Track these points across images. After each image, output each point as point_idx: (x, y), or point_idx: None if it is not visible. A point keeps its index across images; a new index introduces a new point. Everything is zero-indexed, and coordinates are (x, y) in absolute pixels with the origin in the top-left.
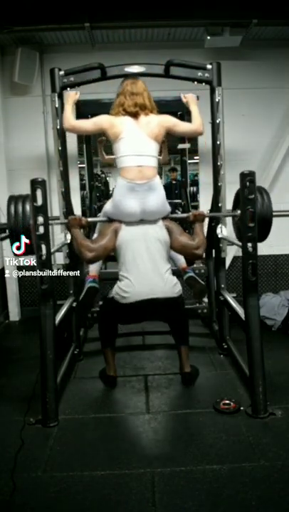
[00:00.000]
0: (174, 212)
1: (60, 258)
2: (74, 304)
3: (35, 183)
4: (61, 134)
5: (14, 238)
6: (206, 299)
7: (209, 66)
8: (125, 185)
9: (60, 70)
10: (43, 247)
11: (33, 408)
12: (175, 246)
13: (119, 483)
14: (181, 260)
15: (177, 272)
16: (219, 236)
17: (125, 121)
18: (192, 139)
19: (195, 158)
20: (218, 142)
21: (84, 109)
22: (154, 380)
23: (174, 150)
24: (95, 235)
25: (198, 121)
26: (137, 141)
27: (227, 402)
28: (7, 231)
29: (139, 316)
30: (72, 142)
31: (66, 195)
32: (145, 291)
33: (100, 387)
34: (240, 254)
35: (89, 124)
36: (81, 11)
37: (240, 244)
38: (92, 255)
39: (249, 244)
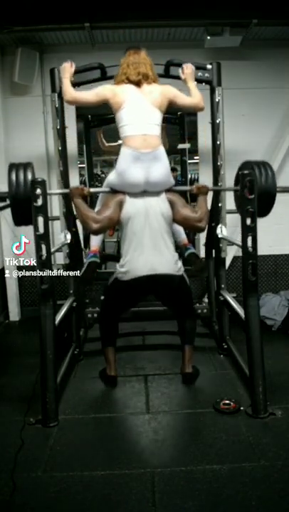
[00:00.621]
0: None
1: (60, 258)
2: (74, 304)
3: (35, 183)
4: (61, 134)
5: (15, 208)
6: (206, 299)
7: (209, 66)
8: (130, 154)
9: (60, 70)
10: (43, 247)
11: (33, 408)
12: (177, 218)
13: (119, 483)
14: (182, 236)
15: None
16: (219, 236)
17: (128, 89)
18: (192, 138)
19: (195, 158)
20: (218, 142)
21: (84, 110)
22: (154, 380)
23: (174, 150)
24: (98, 208)
25: (199, 96)
26: (140, 109)
27: (227, 402)
28: (7, 200)
29: (142, 294)
30: (72, 142)
31: (66, 195)
32: (146, 267)
33: (100, 387)
34: (240, 254)
35: (91, 95)
36: (81, 11)
37: (240, 244)
38: (97, 226)
39: (249, 244)
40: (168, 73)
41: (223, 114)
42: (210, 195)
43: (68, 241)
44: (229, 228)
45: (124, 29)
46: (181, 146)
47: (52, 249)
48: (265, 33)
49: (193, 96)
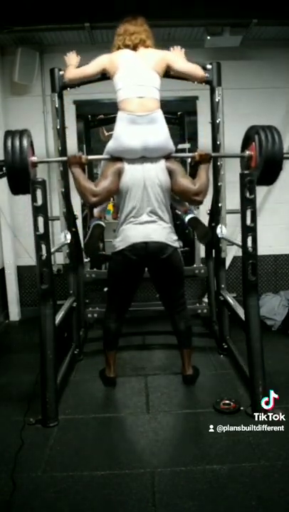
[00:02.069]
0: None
1: (60, 258)
2: (74, 304)
3: (35, 183)
4: (61, 134)
5: (11, 176)
6: (206, 299)
7: (209, 66)
8: (126, 118)
9: (60, 70)
10: (43, 247)
11: (33, 408)
12: (175, 189)
13: (119, 483)
14: (182, 203)
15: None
16: (219, 236)
17: (124, 53)
18: (192, 138)
19: None
20: (218, 142)
21: (84, 109)
22: (154, 380)
23: (174, 150)
24: (100, 177)
25: (197, 66)
26: (136, 72)
27: (227, 402)
28: (4, 169)
29: (140, 263)
30: (72, 142)
31: (66, 196)
32: (141, 234)
33: (100, 387)
34: (240, 254)
35: (89, 68)
36: (81, 11)
37: (240, 244)
38: (96, 199)
39: (249, 244)
40: (168, 76)
41: (223, 114)
42: (210, 194)
43: (68, 241)
44: (229, 228)
45: None
46: (181, 146)
47: (52, 249)
48: (265, 33)
49: (193, 67)
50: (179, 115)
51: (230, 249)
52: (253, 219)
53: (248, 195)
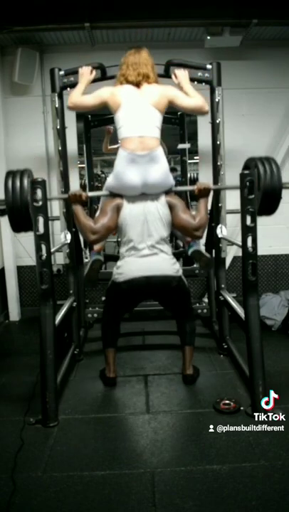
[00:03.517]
0: None
1: (60, 258)
2: (74, 304)
3: (35, 183)
4: (61, 134)
5: (12, 215)
6: (206, 299)
7: (209, 66)
8: (126, 157)
9: (60, 70)
10: (43, 247)
11: (33, 408)
12: (176, 223)
13: (119, 483)
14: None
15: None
16: (219, 236)
17: (126, 89)
18: (192, 138)
19: (195, 158)
20: (218, 142)
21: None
22: (154, 380)
23: (174, 150)
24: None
25: (201, 98)
26: (138, 110)
27: (227, 402)
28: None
29: (140, 296)
30: (72, 142)
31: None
32: (142, 268)
33: (100, 387)
34: (240, 254)
35: (90, 99)
36: (81, 11)
37: (240, 244)
38: (95, 237)
39: (249, 244)
40: (168, 73)
41: (223, 114)
42: (210, 194)
43: (68, 241)
44: (229, 228)
45: (124, 29)
46: (181, 146)
47: (52, 249)
48: (265, 33)
49: (194, 97)
50: (179, 115)
51: (231, 249)
52: (253, 219)
53: (248, 195)
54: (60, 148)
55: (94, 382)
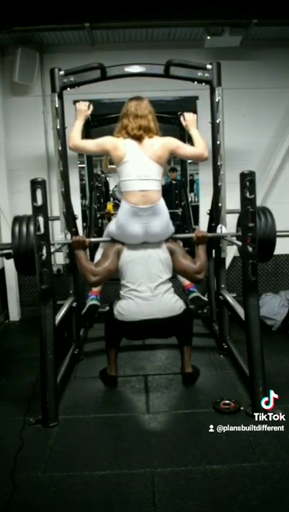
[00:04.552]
0: (173, 221)
1: (60, 258)
2: (74, 304)
3: (35, 183)
4: (61, 134)
5: (18, 259)
6: (205, 299)
7: (209, 66)
8: (129, 210)
9: (60, 70)
10: (43, 247)
11: (33, 408)
12: (176, 268)
13: (119, 483)
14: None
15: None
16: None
17: (129, 144)
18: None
19: None
20: (218, 142)
21: None
22: (154, 380)
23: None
24: (98, 253)
25: (202, 145)
26: (140, 165)
27: (227, 402)
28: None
29: (142, 334)
30: None
31: (66, 195)
32: (144, 311)
33: (100, 387)
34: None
35: (92, 145)
36: (81, 11)
37: (240, 244)
38: (96, 279)
39: (250, 248)
40: (168, 73)
41: (223, 114)
42: (210, 194)
43: (68, 241)
44: (229, 228)
45: (124, 29)
46: None
47: (52, 249)
48: (265, 33)
49: (197, 145)
50: (179, 115)
51: (231, 249)
52: (253, 219)
53: (248, 195)
54: (60, 148)
55: (94, 382)
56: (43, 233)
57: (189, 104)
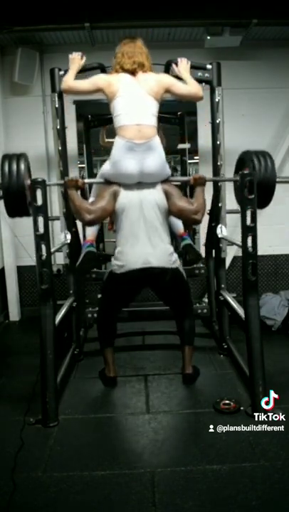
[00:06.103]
0: None
1: (60, 258)
2: (74, 304)
3: (35, 183)
4: (61, 134)
5: (8, 199)
6: (206, 299)
7: (209, 66)
8: (123, 145)
9: (60, 70)
10: (43, 247)
11: (33, 408)
12: (173, 210)
13: (119, 483)
14: (178, 225)
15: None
16: (219, 236)
17: (122, 77)
18: (192, 138)
19: (195, 158)
20: (218, 142)
21: (84, 109)
22: (154, 380)
23: (174, 150)
24: (91, 199)
25: (196, 85)
26: (135, 98)
27: (227, 402)
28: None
29: (138, 286)
30: (72, 142)
31: (66, 196)
32: (140, 259)
33: (100, 387)
34: (240, 254)
35: (86, 84)
36: (81, 11)
37: (240, 244)
38: (91, 217)
39: (249, 244)
40: (168, 73)
41: (223, 114)
42: (209, 194)
43: (68, 241)
44: (229, 228)
45: (124, 29)
46: (181, 146)
47: (52, 249)
48: (265, 33)
49: (191, 84)
50: (179, 115)
51: (231, 249)
52: (253, 219)
53: (248, 195)
54: (60, 148)
55: (94, 382)
56: (43, 233)
57: (189, 103)
